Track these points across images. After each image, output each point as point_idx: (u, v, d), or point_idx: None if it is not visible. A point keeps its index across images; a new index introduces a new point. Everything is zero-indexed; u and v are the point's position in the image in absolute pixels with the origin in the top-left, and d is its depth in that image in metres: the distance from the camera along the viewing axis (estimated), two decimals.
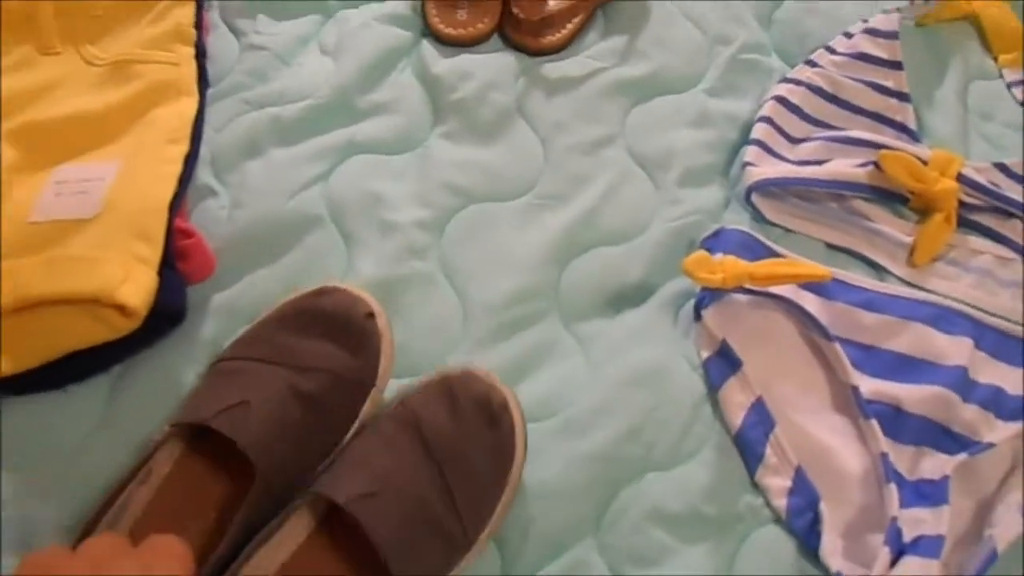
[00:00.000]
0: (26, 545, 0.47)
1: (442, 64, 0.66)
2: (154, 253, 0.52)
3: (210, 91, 0.63)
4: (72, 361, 0.51)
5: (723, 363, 0.56)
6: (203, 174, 0.60)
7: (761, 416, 0.54)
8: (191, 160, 0.58)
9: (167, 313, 0.52)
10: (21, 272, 0.50)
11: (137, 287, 0.50)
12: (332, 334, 0.51)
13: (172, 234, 0.53)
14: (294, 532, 0.46)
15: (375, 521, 0.43)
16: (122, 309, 0.49)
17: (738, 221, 0.62)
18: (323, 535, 0.47)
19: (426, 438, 0.47)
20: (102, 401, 0.52)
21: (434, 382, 0.50)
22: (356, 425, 0.50)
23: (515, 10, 0.67)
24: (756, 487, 0.53)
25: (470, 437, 0.48)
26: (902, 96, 0.67)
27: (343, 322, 0.51)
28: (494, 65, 0.66)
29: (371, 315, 0.51)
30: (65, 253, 0.51)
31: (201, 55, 0.63)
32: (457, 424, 0.48)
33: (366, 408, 0.50)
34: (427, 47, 0.67)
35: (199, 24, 0.63)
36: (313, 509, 0.47)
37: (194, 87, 0.61)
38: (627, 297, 0.59)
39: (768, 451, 0.53)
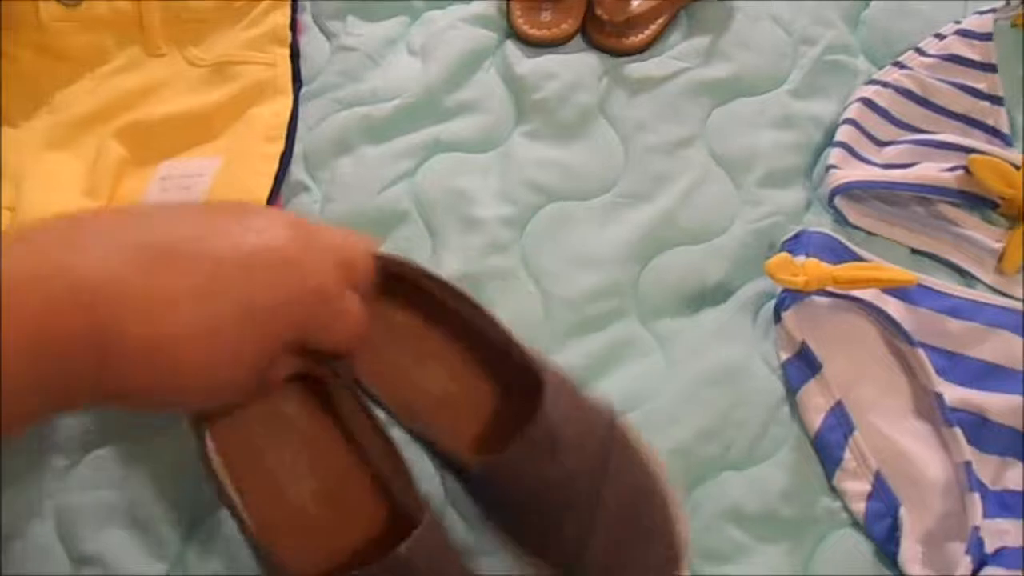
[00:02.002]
0: (133, 519, 0.50)
1: (526, 64, 0.67)
2: None
3: (303, 90, 0.66)
4: None
5: (803, 365, 0.56)
6: (296, 170, 0.63)
7: (840, 419, 0.54)
8: (286, 157, 0.60)
9: None
10: None
11: None
12: None
13: None
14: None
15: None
16: None
17: (820, 223, 0.61)
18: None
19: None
20: None
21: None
22: None
23: (599, 11, 0.68)
24: (834, 490, 0.53)
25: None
26: (995, 99, 0.65)
27: None
28: (577, 65, 0.67)
29: None
30: None
31: (295, 56, 0.65)
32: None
33: None
34: (511, 48, 0.68)
35: (293, 26, 0.66)
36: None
37: (289, 87, 0.64)
38: (706, 296, 0.59)
39: (847, 455, 0.53)
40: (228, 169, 0.58)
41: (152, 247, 0.33)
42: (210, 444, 0.42)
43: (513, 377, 0.47)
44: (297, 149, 0.63)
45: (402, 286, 0.47)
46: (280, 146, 0.60)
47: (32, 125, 0.60)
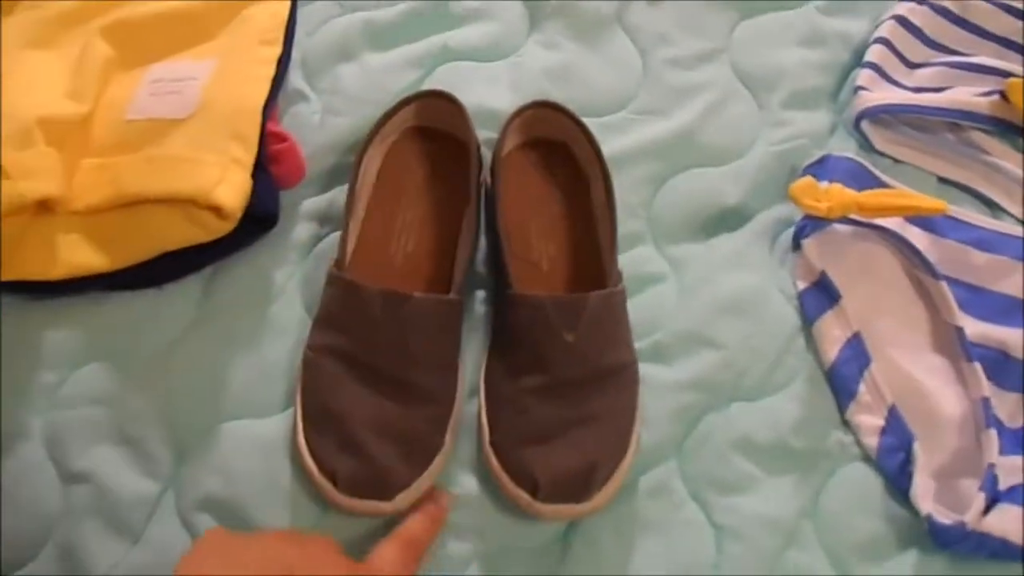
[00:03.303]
0: (124, 437, 0.49)
1: None
2: (248, 155, 0.51)
3: None
4: (167, 260, 0.51)
5: (821, 295, 0.54)
6: (294, 78, 0.59)
7: (857, 352, 0.52)
8: (283, 62, 0.56)
9: (260, 216, 0.52)
10: (119, 169, 0.51)
11: (232, 189, 0.49)
12: None
13: (265, 137, 0.53)
14: None
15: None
16: (217, 211, 0.49)
17: (844, 148, 0.59)
18: None
19: None
20: (195, 300, 0.53)
21: None
22: None
23: None
24: (846, 424, 0.52)
25: None
26: None
27: None
28: None
29: None
30: (163, 152, 0.51)
31: None
32: None
33: None
34: None
35: None
36: None
37: None
38: (723, 221, 0.57)
39: (862, 388, 0.52)
40: (222, 72, 0.54)
41: None
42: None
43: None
44: (295, 55, 0.59)
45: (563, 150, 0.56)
46: (277, 50, 0.56)
47: (12, 21, 0.56)
